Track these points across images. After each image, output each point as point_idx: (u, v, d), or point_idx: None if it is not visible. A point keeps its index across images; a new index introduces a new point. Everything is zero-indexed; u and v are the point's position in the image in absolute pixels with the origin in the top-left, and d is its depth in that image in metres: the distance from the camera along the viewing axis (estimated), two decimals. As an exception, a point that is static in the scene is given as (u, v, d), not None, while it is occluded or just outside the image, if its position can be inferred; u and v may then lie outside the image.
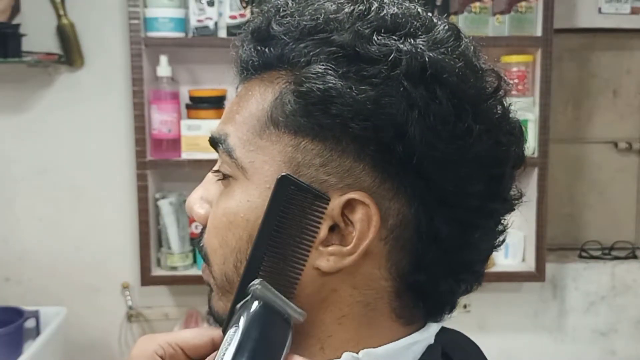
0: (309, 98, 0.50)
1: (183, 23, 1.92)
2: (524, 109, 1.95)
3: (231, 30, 1.90)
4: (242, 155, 0.53)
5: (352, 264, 0.51)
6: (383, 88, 0.49)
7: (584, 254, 2.28)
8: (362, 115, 0.49)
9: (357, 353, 0.53)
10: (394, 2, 0.53)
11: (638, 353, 2.29)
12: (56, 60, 1.99)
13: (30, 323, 1.85)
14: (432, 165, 0.50)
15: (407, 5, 0.54)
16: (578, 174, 2.32)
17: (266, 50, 0.54)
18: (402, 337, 0.55)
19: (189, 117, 1.97)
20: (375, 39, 0.50)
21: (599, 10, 2.15)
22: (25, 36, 1.96)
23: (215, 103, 1.96)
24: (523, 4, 1.94)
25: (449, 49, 0.51)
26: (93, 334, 2.16)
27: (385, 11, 0.52)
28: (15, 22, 1.98)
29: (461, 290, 0.57)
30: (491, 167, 0.52)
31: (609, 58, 2.27)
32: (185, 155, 1.93)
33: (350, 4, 0.52)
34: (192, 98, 1.98)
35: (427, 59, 0.49)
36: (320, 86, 0.49)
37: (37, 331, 1.86)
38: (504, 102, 0.55)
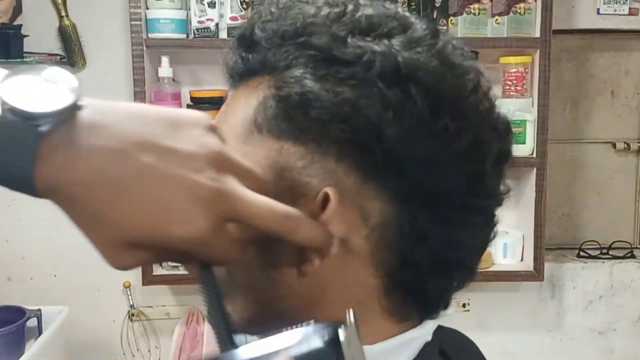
0: (289, 102, 0.50)
1: (184, 24, 1.93)
2: (523, 109, 1.96)
3: (232, 31, 1.91)
4: None
5: (335, 263, 0.50)
6: (359, 90, 0.49)
7: (582, 253, 2.29)
8: (339, 117, 0.49)
9: None
10: (371, 3, 0.53)
11: (636, 352, 2.30)
12: (58, 61, 2.00)
13: (32, 322, 1.85)
14: (411, 165, 0.49)
15: (384, 5, 0.54)
16: (576, 174, 2.32)
17: (250, 56, 0.54)
18: (397, 334, 0.55)
19: (190, 117, 1.97)
20: (350, 41, 0.50)
21: (597, 12, 2.15)
22: (27, 37, 1.97)
23: (216, 104, 1.96)
24: (522, 5, 1.94)
25: (425, 48, 0.51)
26: (95, 334, 2.17)
27: (360, 13, 0.52)
28: (17, 23, 1.99)
29: (454, 287, 0.56)
30: (472, 164, 0.52)
31: (607, 59, 2.28)
32: (186, 155, 1.93)
33: (327, 7, 0.53)
34: (193, 99, 1.99)
35: (400, 59, 0.49)
36: (298, 90, 0.50)
37: (39, 330, 1.86)
38: (490, 98, 0.54)
